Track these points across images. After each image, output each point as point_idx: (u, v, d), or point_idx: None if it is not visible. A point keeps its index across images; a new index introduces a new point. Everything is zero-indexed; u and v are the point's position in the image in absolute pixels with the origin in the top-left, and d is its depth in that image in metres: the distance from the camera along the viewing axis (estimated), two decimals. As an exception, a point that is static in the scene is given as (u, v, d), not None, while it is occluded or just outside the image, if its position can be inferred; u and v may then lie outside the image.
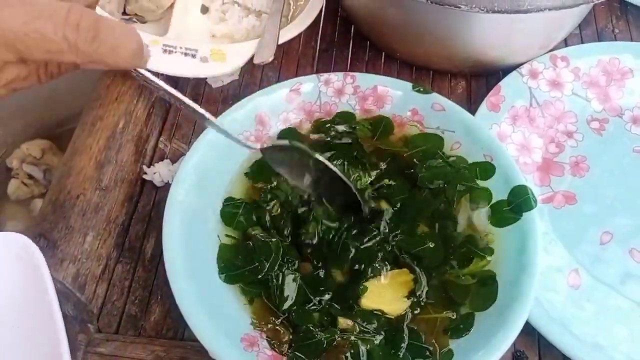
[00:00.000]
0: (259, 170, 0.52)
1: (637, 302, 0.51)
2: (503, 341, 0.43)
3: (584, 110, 0.63)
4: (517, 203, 0.50)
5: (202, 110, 0.41)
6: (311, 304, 0.47)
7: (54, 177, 0.56)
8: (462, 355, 0.44)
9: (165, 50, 0.58)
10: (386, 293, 0.47)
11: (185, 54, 0.58)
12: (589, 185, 0.58)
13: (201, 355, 0.47)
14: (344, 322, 0.46)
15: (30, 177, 1.04)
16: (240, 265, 0.48)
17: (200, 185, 0.50)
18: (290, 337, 0.45)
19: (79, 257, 0.52)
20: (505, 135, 0.59)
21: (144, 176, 0.58)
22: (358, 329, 0.45)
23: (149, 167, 0.58)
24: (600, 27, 0.71)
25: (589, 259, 0.54)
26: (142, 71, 0.39)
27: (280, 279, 0.47)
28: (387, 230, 0.49)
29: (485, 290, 0.46)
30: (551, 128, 0.62)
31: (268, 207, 0.51)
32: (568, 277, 0.53)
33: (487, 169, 0.51)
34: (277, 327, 0.46)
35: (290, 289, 0.47)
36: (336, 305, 0.47)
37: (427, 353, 0.44)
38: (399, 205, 0.51)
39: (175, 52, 0.58)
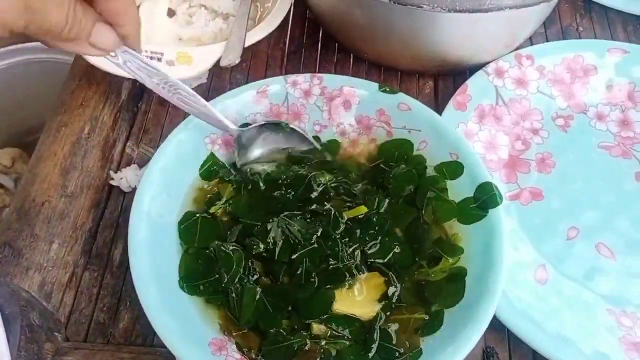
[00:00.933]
0: (212, 169, 0.53)
1: (602, 295, 0.52)
2: (471, 337, 0.43)
3: (549, 107, 0.64)
4: (483, 200, 0.51)
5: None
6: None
7: (20, 184, 0.55)
8: (431, 352, 0.44)
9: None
10: (358, 297, 0.47)
11: (151, 58, 0.58)
12: (555, 182, 0.59)
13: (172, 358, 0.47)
14: (317, 327, 0.46)
15: (1, 186, 1.02)
16: (201, 275, 0.47)
17: (165, 191, 0.50)
18: (257, 341, 0.45)
19: (44, 266, 0.51)
20: (471, 133, 0.60)
21: (111, 182, 0.57)
22: (330, 334, 0.45)
23: (116, 172, 0.57)
24: (564, 25, 0.72)
25: (555, 255, 0.55)
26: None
27: (240, 292, 0.46)
28: (362, 237, 0.49)
29: (454, 287, 0.47)
30: (517, 125, 0.62)
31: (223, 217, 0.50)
32: (535, 272, 0.53)
33: (455, 169, 0.52)
34: (246, 332, 0.46)
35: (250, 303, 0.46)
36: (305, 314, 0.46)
37: (397, 354, 0.45)
38: (375, 212, 0.51)
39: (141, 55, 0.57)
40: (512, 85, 0.64)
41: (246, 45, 0.61)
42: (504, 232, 0.49)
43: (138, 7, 0.64)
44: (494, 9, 0.50)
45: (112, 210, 0.56)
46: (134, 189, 0.57)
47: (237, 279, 0.46)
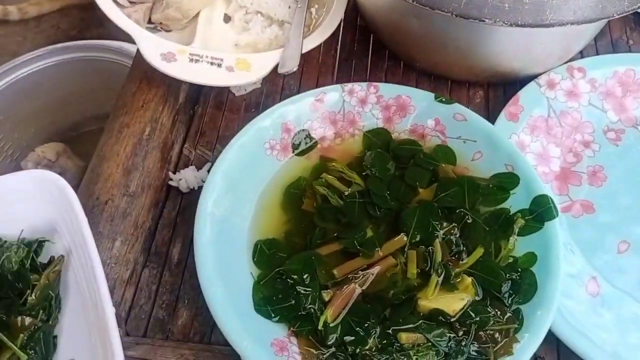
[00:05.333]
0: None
1: (655, 310, 0.53)
2: (528, 347, 0.44)
3: (600, 120, 0.64)
4: (539, 212, 0.51)
5: None
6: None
7: (82, 183, 0.57)
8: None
9: (191, 59, 0.59)
10: (443, 295, 0.48)
11: (211, 63, 0.59)
12: (606, 195, 0.59)
13: (229, 359, 0.48)
14: (405, 337, 0.46)
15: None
16: (275, 301, 0.48)
17: (229, 193, 0.51)
18: None
19: (107, 262, 0.53)
20: (524, 144, 0.60)
21: (170, 182, 0.59)
22: (421, 342, 0.46)
23: (174, 173, 0.59)
24: (614, 38, 0.72)
25: (607, 268, 0.55)
26: None
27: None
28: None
29: (527, 282, 0.48)
30: (569, 138, 0.63)
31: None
32: (587, 285, 0.54)
33: (512, 180, 0.52)
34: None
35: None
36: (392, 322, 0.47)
37: None
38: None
39: (202, 61, 0.59)
40: (564, 97, 0.64)
41: (302, 52, 0.62)
42: (560, 245, 0.49)
43: (197, 13, 0.66)
44: (556, 24, 0.50)
45: (170, 210, 0.58)
46: (192, 190, 0.58)
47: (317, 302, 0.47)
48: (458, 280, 0.49)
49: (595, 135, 0.63)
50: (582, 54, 0.69)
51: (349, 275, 0.49)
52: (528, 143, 0.61)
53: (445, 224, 0.51)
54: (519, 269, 0.49)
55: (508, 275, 0.49)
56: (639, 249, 0.56)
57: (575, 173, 0.61)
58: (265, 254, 0.50)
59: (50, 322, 0.47)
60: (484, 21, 0.51)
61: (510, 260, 0.50)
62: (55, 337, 0.47)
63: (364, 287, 0.49)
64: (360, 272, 0.49)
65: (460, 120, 0.56)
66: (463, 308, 0.47)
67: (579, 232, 0.57)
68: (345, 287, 0.48)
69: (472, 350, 0.45)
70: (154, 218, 0.57)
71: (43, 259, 0.51)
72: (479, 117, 0.56)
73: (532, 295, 0.47)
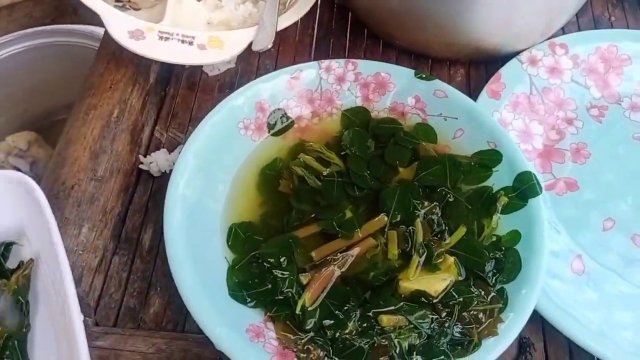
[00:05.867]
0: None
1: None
2: (513, 327, 0.43)
3: (583, 97, 0.63)
4: (523, 189, 0.50)
5: None
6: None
7: (48, 167, 0.55)
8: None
9: (161, 37, 0.56)
10: (425, 275, 0.46)
11: (182, 41, 0.57)
12: (590, 172, 0.58)
13: (203, 347, 0.46)
14: (387, 319, 0.44)
15: (17, 169, 1.01)
16: (251, 286, 0.46)
17: (201, 174, 0.49)
18: (320, 352, 0.43)
19: (74, 249, 0.50)
20: (506, 122, 0.59)
21: (140, 166, 0.56)
22: (402, 324, 0.44)
23: (145, 156, 0.57)
24: (596, 14, 0.71)
25: (592, 245, 0.54)
26: None
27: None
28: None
29: (511, 261, 0.47)
30: (551, 115, 0.61)
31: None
32: (572, 263, 0.52)
33: (494, 158, 0.51)
34: (307, 345, 0.43)
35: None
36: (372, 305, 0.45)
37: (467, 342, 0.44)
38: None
39: (172, 39, 0.56)
40: (546, 74, 0.63)
41: (277, 30, 0.60)
42: (545, 222, 0.48)
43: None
44: (537, -7, 0.49)
45: (141, 194, 0.56)
46: (164, 174, 0.56)
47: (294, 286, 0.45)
48: (440, 260, 0.47)
49: (579, 112, 0.62)
50: (563, 31, 0.68)
51: (328, 258, 0.47)
52: (510, 121, 0.60)
53: (426, 203, 0.50)
54: (503, 248, 0.48)
55: (491, 254, 0.47)
56: (624, 226, 0.55)
57: (558, 150, 0.60)
58: (240, 237, 0.47)
59: (23, 329, 0.44)
60: (463, -9, 0.49)
61: (494, 239, 0.49)
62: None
63: (343, 269, 0.47)
64: (339, 254, 0.48)
65: (441, 97, 0.54)
66: (445, 289, 0.45)
67: (563, 210, 0.56)
68: (323, 269, 0.46)
69: (456, 332, 0.43)
70: (123, 203, 0.54)
71: (12, 264, 0.48)
72: (460, 93, 0.54)
73: (516, 274, 0.46)
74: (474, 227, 0.49)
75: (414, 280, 0.46)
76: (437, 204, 0.50)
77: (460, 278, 0.47)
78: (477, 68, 0.65)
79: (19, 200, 0.46)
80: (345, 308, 0.44)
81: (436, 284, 0.45)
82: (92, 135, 0.55)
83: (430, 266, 0.47)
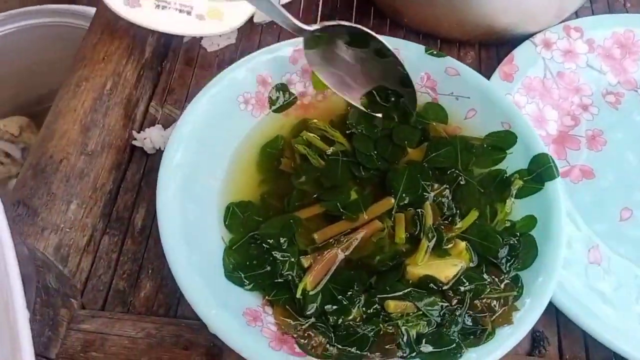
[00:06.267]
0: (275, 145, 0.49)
1: (660, 278, 0.49)
2: (529, 316, 0.40)
3: (599, 82, 0.60)
4: (538, 172, 0.47)
5: None
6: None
7: (35, 141, 0.51)
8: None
9: (158, 6, 0.53)
10: (434, 261, 0.43)
11: (180, 11, 0.54)
12: (606, 160, 0.55)
13: (197, 333, 0.43)
14: (393, 305, 0.41)
15: (7, 155, 0.98)
16: (250, 268, 0.43)
17: (198, 148, 0.46)
18: (322, 339, 0.40)
19: (61, 227, 0.47)
20: (519, 106, 0.56)
21: (134, 142, 0.53)
22: (410, 311, 0.41)
23: (138, 132, 0.53)
24: (611, 0, 0.68)
25: (609, 235, 0.51)
26: None
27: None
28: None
29: (527, 249, 0.44)
30: (566, 100, 0.59)
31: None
32: (588, 253, 0.50)
33: (509, 139, 0.48)
34: (309, 331, 0.40)
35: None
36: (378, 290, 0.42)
37: (479, 331, 0.41)
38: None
39: (169, 7, 0.54)
40: (561, 57, 0.60)
41: (281, 3, 0.57)
42: (562, 207, 0.45)
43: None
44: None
45: (134, 172, 0.53)
46: (158, 151, 0.53)
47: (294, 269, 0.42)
48: (451, 245, 0.44)
49: (594, 99, 0.59)
50: (577, 15, 0.65)
51: (331, 240, 0.44)
52: (523, 104, 0.57)
53: (436, 186, 0.47)
54: (517, 234, 0.45)
55: (505, 240, 0.44)
56: (641, 215, 0.52)
57: (573, 137, 0.57)
58: (238, 217, 0.44)
59: None
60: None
61: (508, 224, 0.46)
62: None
63: (347, 253, 0.44)
64: (343, 236, 0.45)
65: (452, 75, 0.52)
66: (456, 275, 0.42)
67: (579, 198, 0.53)
68: (326, 252, 0.43)
69: (468, 320, 0.40)
70: (115, 180, 0.51)
71: None
72: (473, 71, 0.52)
73: (532, 261, 0.43)
74: (486, 212, 0.46)
75: (422, 266, 0.43)
76: (447, 186, 0.47)
77: (472, 264, 0.44)
78: (487, 50, 0.62)
79: None
80: (349, 293, 0.41)
81: (446, 269, 0.42)
82: (83, 108, 0.52)
83: (440, 251, 0.44)
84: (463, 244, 0.44)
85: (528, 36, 0.60)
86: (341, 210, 0.45)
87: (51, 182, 0.48)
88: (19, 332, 0.34)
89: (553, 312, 0.47)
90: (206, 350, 0.42)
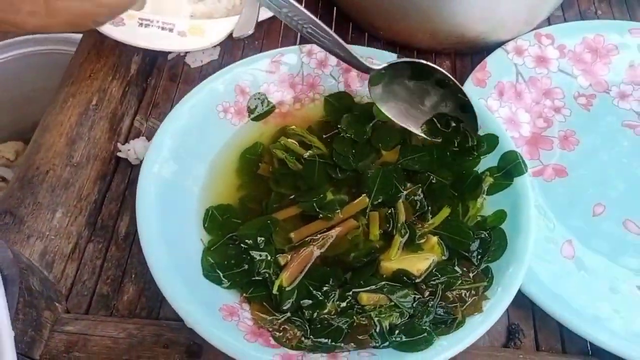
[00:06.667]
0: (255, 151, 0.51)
1: (632, 270, 0.50)
2: (499, 304, 0.41)
3: (570, 86, 0.62)
4: (508, 169, 0.48)
5: None
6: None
7: (23, 155, 0.53)
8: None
9: (141, 24, 0.56)
10: (407, 255, 0.45)
11: (162, 28, 0.56)
12: (579, 159, 0.57)
13: (177, 332, 0.44)
14: (367, 297, 0.42)
15: (3, 179, 1.00)
16: (227, 267, 0.44)
17: (178, 155, 0.48)
18: (297, 332, 0.41)
19: (47, 234, 0.49)
20: (492, 110, 0.58)
21: (118, 154, 0.55)
22: (383, 302, 0.42)
23: (123, 144, 0.55)
24: (583, 9, 0.71)
25: (581, 230, 0.52)
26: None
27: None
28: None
29: (497, 241, 0.45)
30: (538, 103, 0.60)
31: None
32: (561, 248, 0.51)
33: (491, 142, 0.50)
34: (284, 325, 0.42)
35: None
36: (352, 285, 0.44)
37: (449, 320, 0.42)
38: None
39: (152, 25, 0.56)
40: (532, 63, 0.62)
41: (259, 20, 0.60)
42: (531, 200, 0.46)
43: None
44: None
45: (118, 182, 0.54)
46: (142, 162, 0.55)
47: (271, 267, 0.44)
48: (423, 240, 0.46)
49: (566, 101, 0.61)
50: (549, 23, 0.67)
51: (307, 239, 0.46)
52: (496, 108, 0.59)
53: (409, 185, 0.48)
54: (488, 228, 0.46)
55: (476, 234, 0.46)
56: (614, 211, 0.53)
57: (546, 138, 0.58)
58: (217, 219, 0.46)
59: None
60: (442, -31, 0.48)
61: (479, 219, 0.47)
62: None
63: (322, 250, 0.45)
64: (318, 234, 0.46)
65: (424, 81, 0.53)
66: (428, 268, 0.44)
67: (552, 196, 0.54)
68: (302, 250, 0.44)
69: (439, 311, 0.41)
70: (100, 191, 0.53)
71: None
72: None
73: (502, 253, 0.44)
74: (458, 209, 0.47)
75: (395, 260, 0.44)
76: (420, 185, 0.48)
77: (443, 258, 0.45)
78: (462, 59, 0.65)
79: None
80: (324, 288, 0.43)
81: (418, 263, 0.44)
82: (69, 122, 0.54)
83: (413, 246, 0.45)
84: (435, 239, 0.45)
85: (501, 44, 0.62)
86: (317, 210, 0.47)
87: (37, 192, 0.50)
88: (1, 330, 0.35)
89: (529, 307, 0.48)
90: (186, 348, 0.43)
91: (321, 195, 0.48)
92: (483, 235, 0.45)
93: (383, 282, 0.43)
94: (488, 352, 0.45)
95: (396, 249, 0.45)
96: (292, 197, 0.48)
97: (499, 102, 0.59)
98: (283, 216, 0.47)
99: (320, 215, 0.47)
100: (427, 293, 0.43)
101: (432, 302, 0.42)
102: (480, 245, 0.45)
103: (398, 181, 0.49)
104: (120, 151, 0.55)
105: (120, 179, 0.54)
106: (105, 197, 0.53)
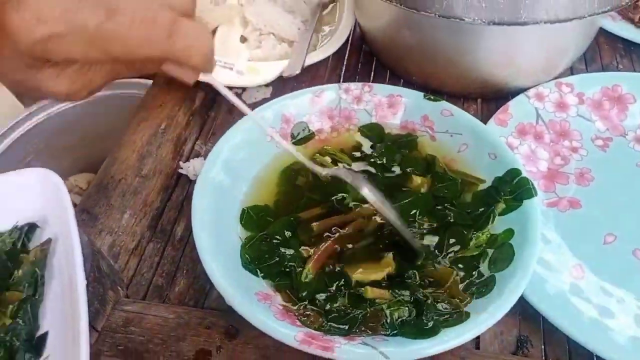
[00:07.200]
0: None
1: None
2: (503, 306, 0.46)
3: (588, 129, 0.67)
4: (519, 192, 0.54)
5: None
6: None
7: (102, 166, 0.63)
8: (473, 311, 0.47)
9: (206, 63, 0.66)
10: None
11: (224, 67, 0.66)
12: (593, 193, 0.61)
13: (217, 317, 0.51)
14: (370, 291, 0.49)
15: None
16: (262, 260, 0.52)
17: (229, 166, 0.56)
18: (318, 317, 0.47)
19: (115, 231, 0.57)
20: (511, 146, 0.64)
21: (180, 170, 0.64)
22: (387, 297, 0.48)
23: (184, 162, 0.64)
24: (605, 63, 0.77)
25: (592, 256, 0.56)
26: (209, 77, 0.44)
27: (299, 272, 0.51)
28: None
29: (505, 252, 0.50)
30: (557, 143, 0.66)
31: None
32: (571, 270, 0.55)
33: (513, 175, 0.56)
34: (308, 312, 0.48)
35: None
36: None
37: (448, 316, 0.47)
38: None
39: (216, 65, 0.66)
40: (552, 107, 0.68)
41: (307, 64, 0.69)
42: (538, 217, 0.51)
43: (214, 31, 0.74)
44: (530, 22, 0.56)
45: (178, 194, 0.63)
46: (199, 177, 0.63)
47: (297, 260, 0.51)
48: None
49: (583, 142, 0.66)
50: (572, 73, 0.74)
51: (325, 234, 0.53)
52: (516, 145, 0.64)
53: (426, 225, 0.54)
54: (498, 244, 0.51)
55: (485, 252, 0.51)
56: (625, 241, 0.57)
57: (562, 173, 0.63)
58: (252, 218, 0.54)
59: (36, 297, 0.49)
60: (464, 20, 0.56)
61: (490, 236, 0.52)
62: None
63: (338, 246, 0.52)
64: (334, 229, 0.53)
65: (447, 116, 0.61)
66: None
67: (565, 224, 0.59)
68: (322, 245, 0.51)
69: (443, 306, 0.47)
70: (162, 200, 0.62)
71: (34, 245, 0.52)
72: (464, 112, 0.60)
73: (508, 264, 0.49)
74: (470, 236, 0.53)
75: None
76: (437, 224, 0.54)
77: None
78: (488, 104, 0.71)
79: (44, 192, 0.52)
80: (337, 283, 0.49)
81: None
82: (141, 141, 0.64)
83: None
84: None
85: (524, 89, 0.69)
86: (335, 205, 0.55)
87: (110, 196, 0.59)
88: (79, 297, 0.43)
89: (539, 319, 0.52)
90: (225, 330, 0.50)
91: (342, 196, 0.55)
92: (492, 254, 0.51)
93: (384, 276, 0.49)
94: (497, 356, 0.49)
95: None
96: (320, 203, 0.55)
97: (518, 140, 0.65)
98: (308, 215, 0.54)
99: (341, 208, 0.54)
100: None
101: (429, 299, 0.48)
102: (488, 265, 0.50)
103: (421, 212, 0.55)
104: (181, 168, 0.64)
105: (179, 191, 0.63)
106: (166, 206, 0.62)
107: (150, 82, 1.07)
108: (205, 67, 0.40)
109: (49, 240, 0.51)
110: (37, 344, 0.45)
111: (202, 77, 0.43)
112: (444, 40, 0.63)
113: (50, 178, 0.51)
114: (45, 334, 0.46)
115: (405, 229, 0.51)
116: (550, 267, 0.54)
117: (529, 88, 0.69)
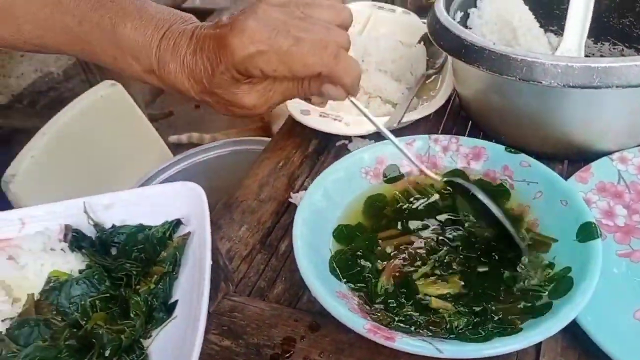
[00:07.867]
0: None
1: None
2: (552, 330, 0.51)
3: (671, 193, 0.70)
4: (584, 236, 0.59)
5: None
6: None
7: (229, 191, 0.78)
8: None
9: (321, 115, 0.80)
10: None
11: (335, 119, 0.80)
12: (669, 251, 0.64)
13: (305, 314, 0.61)
14: (435, 302, 0.57)
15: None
16: (348, 268, 0.62)
17: (328, 194, 0.68)
18: (388, 318, 0.56)
19: (233, 239, 0.70)
20: (589, 202, 0.69)
21: (290, 199, 0.76)
22: (449, 309, 0.56)
23: (295, 193, 0.77)
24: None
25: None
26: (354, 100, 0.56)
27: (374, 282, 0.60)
28: None
29: (564, 282, 0.56)
30: (637, 203, 0.69)
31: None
32: (635, 312, 0.58)
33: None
34: (379, 313, 0.57)
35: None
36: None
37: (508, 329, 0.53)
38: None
39: (328, 117, 0.80)
40: (635, 170, 0.72)
41: (406, 121, 0.80)
42: (599, 258, 0.56)
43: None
44: (602, 86, 0.62)
45: (286, 218, 0.75)
46: (305, 206, 0.75)
47: (374, 272, 0.61)
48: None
49: (665, 205, 0.69)
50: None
51: (394, 252, 0.62)
52: (594, 200, 0.69)
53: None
54: (555, 278, 0.57)
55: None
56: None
57: (639, 229, 0.67)
58: (343, 232, 0.64)
59: (174, 273, 0.63)
60: (541, 82, 0.65)
61: (549, 272, 0.58)
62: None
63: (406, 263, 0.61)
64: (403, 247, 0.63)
65: (525, 167, 0.68)
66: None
67: (636, 274, 0.62)
68: (392, 261, 0.61)
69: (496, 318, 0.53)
70: (273, 221, 0.74)
71: (177, 235, 0.68)
72: (540, 164, 0.67)
73: (565, 294, 0.54)
74: None
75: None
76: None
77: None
78: (573, 165, 0.77)
79: (190, 199, 0.67)
80: (404, 292, 0.58)
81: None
82: (262, 173, 0.78)
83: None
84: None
85: (608, 153, 0.74)
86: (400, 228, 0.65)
87: (233, 212, 0.73)
88: (204, 278, 0.56)
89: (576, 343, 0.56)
90: (309, 323, 0.60)
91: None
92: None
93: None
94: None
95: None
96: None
97: (597, 196, 0.70)
98: (386, 235, 0.64)
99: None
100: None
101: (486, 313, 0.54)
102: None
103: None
104: (291, 198, 0.76)
105: (287, 216, 0.75)
106: (276, 226, 0.74)
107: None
108: (353, 87, 0.53)
109: (188, 233, 0.65)
110: (169, 307, 0.59)
111: (350, 99, 0.56)
112: (528, 105, 0.71)
113: (195, 189, 0.67)
114: (175, 302, 0.59)
115: (510, 226, 0.59)
116: (613, 303, 0.58)
117: (614, 152, 0.74)
